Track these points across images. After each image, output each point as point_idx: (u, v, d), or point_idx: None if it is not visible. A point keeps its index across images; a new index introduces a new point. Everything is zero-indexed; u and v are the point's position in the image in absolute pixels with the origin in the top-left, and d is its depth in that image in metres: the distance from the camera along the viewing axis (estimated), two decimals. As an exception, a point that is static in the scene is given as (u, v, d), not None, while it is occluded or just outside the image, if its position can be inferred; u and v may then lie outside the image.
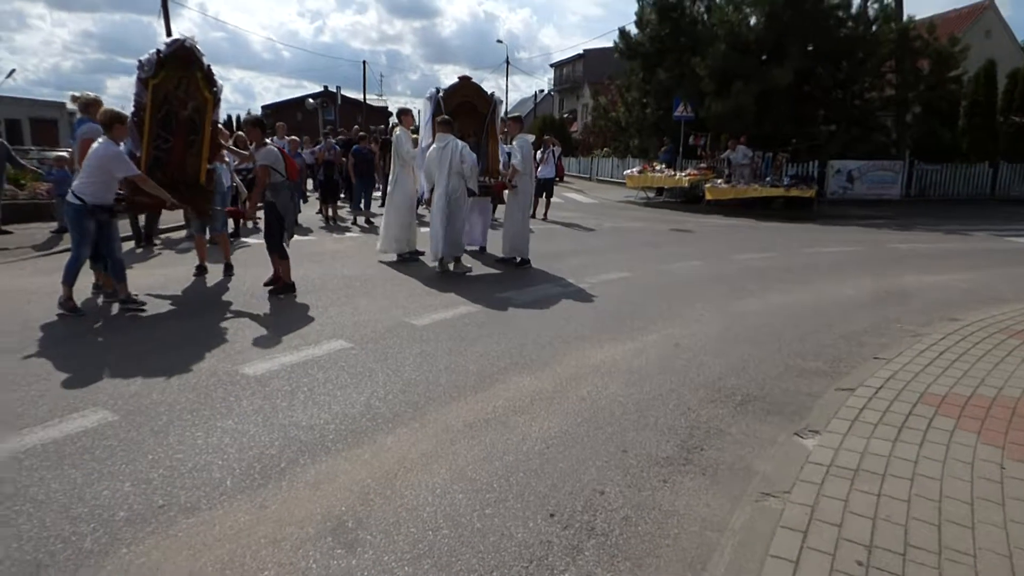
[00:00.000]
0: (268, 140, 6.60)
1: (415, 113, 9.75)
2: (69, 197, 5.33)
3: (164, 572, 2.30)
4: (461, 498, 2.78)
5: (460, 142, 7.26)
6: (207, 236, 7.29)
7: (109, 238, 5.53)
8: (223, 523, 2.59)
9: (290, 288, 6.38)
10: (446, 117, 7.45)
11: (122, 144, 5.52)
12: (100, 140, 5.32)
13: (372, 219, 12.24)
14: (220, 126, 7.11)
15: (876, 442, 3.09)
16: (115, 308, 5.74)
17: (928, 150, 19.52)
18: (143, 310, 5.68)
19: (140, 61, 5.97)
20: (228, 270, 7.19)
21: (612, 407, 3.76)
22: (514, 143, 7.96)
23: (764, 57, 19.04)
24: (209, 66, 6.39)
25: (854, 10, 19.08)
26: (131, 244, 8.73)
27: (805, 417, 3.60)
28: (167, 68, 6.02)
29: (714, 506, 2.76)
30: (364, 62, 48.42)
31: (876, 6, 19.31)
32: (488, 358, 4.56)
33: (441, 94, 8.39)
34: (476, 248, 9.01)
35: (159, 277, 6.98)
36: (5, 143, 9.72)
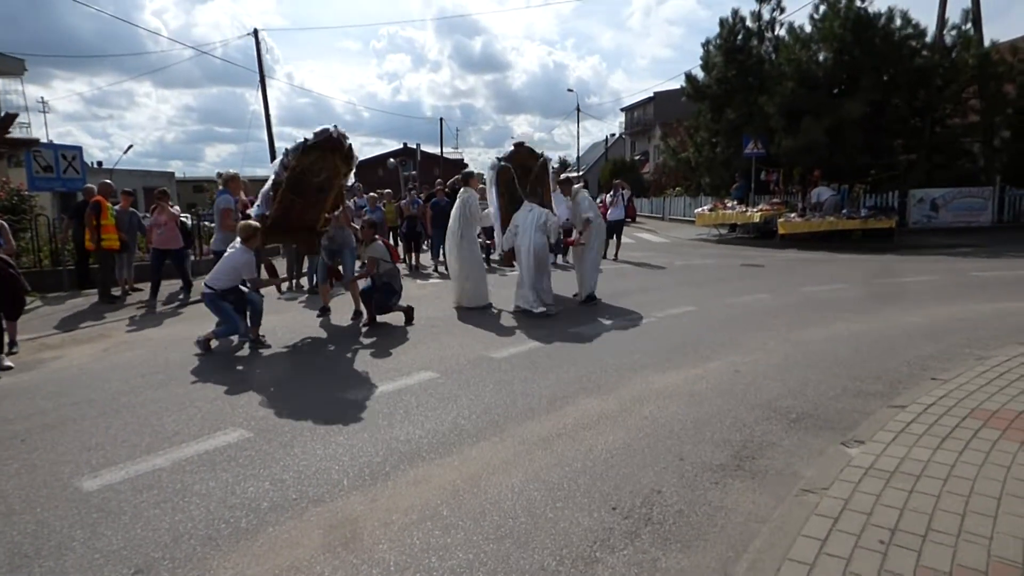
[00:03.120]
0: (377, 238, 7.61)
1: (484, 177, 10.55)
2: (204, 289, 6.54)
3: (303, 545, 2.91)
4: (536, 495, 3.28)
5: (546, 210, 8.19)
6: (331, 285, 8.43)
7: (248, 300, 6.75)
8: (344, 511, 3.19)
9: (411, 312, 7.62)
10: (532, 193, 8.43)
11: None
12: (237, 246, 6.54)
13: (452, 266, 13.09)
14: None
15: (918, 449, 3.35)
16: (244, 349, 6.69)
17: (1021, 174, 18.64)
18: (268, 346, 6.74)
19: (287, 149, 6.93)
20: (357, 315, 8.05)
21: (672, 424, 4.17)
22: (579, 198, 8.53)
23: (835, 91, 18.99)
24: (351, 145, 7.22)
25: (929, 39, 18.81)
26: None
27: (855, 431, 3.87)
28: (311, 154, 6.90)
29: (760, 503, 3.12)
30: (441, 119, 51.45)
31: (954, 33, 18.98)
32: (559, 384, 5.07)
33: (502, 162, 9.15)
34: None
35: (272, 323, 7.94)
36: (136, 212, 11.27)
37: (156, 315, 8.95)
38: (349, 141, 7.23)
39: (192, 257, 11.45)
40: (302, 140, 6.87)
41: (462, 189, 8.95)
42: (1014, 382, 4.41)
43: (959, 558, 2.43)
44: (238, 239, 6.62)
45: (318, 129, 6.93)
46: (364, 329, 7.49)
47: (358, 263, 8.58)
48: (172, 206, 9.90)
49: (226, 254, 6.63)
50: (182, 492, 3.44)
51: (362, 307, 7.99)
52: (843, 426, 4.03)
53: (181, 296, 9.95)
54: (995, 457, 3.24)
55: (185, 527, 3.08)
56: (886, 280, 10.17)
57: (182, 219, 11.03)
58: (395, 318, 7.70)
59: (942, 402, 4.09)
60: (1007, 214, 18.55)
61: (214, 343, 6.64)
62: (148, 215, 16.31)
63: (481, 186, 9.77)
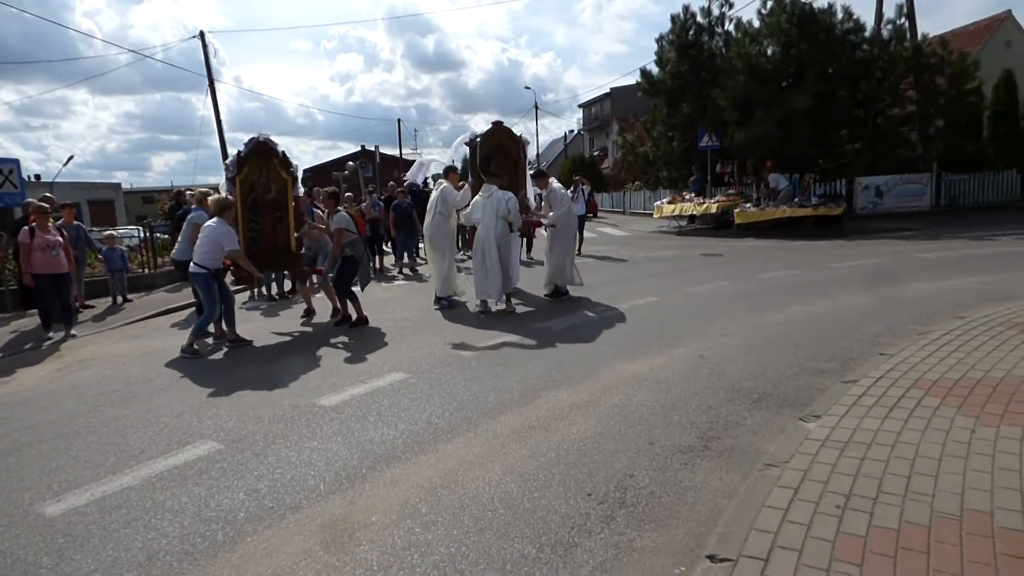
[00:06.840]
0: (340, 208, 7.76)
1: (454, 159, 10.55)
2: (195, 269, 6.57)
3: (283, 553, 2.91)
4: (512, 487, 3.35)
5: (506, 193, 7.97)
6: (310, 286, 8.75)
7: (225, 294, 6.93)
8: (323, 516, 3.20)
9: (364, 321, 7.59)
10: (494, 174, 8.34)
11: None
12: (213, 220, 6.61)
13: (416, 268, 13.08)
14: (301, 195, 8.35)
15: (868, 420, 3.55)
16: (218, 354, 6.76)
17: (955, 161, 19.79)
18: (250, 342, 7.08)
19: (226, 164, 7.36)
20: (335, 313, 8.13)
21: (641, 410, 4.29)
22: (554, 189, 8.71)
23: (784, 84, 19.60)
24: (284, 151, 7.61)
25: (867, 33, 19.60)
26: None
27: (811, 406, 4.05)
28: (248, 164, 7.24)
29: (727, 480, 3.25)
30: (399, 120, 51.17)
31: (890, 27, 19.81)
32: (530, 378, 5.15)
33: (479, 139, 9.22)
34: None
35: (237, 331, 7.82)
36: (83, 226, 10.91)
37: (112, 332, 8.70)
38: (282, 148, 7.66)
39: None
40: (236, 153, 7.37)
41: (439, 182, 9.03)
42: (952, 353, 4.71)
43: (906, 516, 2.60)
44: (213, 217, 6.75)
45: (247, 139, 7.45)
46: (336, 325, 7.72)
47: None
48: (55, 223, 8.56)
49: (203, 230, 6.64)
50: (153, 510, 3.39)
51: (338, 305, 8.04)
52: (801, 403, 4.22)
53: (63, 332, 8.30)
54: (936, 423, 3.46)
55: (159, 544, 3.04)
56: (837, 264, 10.57)
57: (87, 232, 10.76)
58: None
59: (889, 375, 4.33)
60: (944, 198, 19.65)
61: (197, 345, 6.75)
62: (94, 229, 15.79)
63: (461, 183, 9.61)
